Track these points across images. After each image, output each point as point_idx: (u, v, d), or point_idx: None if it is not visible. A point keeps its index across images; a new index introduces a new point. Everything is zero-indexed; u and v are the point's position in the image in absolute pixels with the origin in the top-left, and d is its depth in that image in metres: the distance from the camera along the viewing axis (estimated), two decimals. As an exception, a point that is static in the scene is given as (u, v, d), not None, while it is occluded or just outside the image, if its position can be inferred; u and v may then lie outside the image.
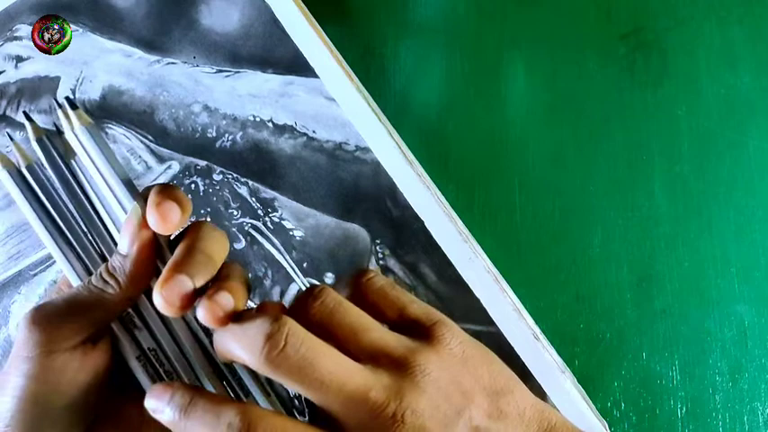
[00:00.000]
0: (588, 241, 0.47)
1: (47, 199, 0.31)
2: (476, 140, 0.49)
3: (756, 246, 0.46)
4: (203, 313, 0.28)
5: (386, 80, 0.50)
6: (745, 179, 0.47)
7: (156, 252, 0.31)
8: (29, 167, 0.31)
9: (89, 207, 0.31)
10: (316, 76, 0.47)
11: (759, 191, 0.46)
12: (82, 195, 0.31)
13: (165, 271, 0.29)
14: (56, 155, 0.31)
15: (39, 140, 0.31)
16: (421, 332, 0.31)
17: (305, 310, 0.30)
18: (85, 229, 0.31)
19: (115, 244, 0.31)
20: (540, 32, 0.49)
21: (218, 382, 0.31)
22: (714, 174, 0.47)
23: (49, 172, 0.31)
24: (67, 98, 0.31)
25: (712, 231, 0.46)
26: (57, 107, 0.31)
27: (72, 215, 0.31)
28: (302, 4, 0.48)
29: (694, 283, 0.46)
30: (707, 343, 0.45)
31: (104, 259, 0.31)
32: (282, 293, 0.46)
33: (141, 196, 0.31)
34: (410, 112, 0.49)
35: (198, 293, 0.29)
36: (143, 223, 0.30)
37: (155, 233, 0.30)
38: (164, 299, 0.28)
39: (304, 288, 0.46)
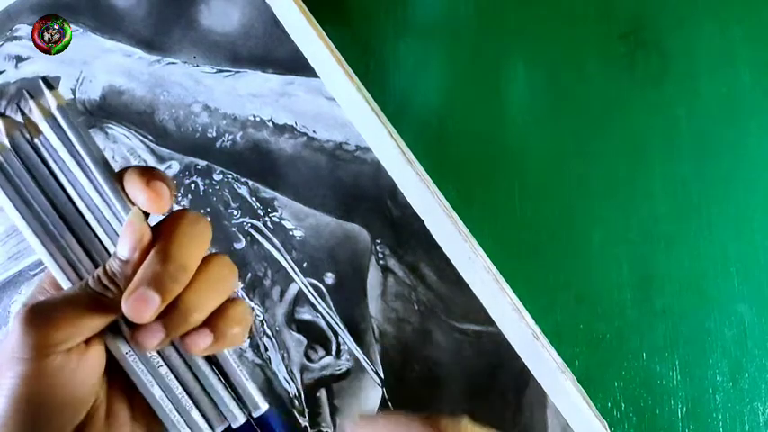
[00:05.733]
0: (588, 241, 0.47)
1: (24, 187, 0.30)
2: (476, 140, 0.49)
3: (756, 246, 0.46)
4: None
5: (386, 80, 0.50)
6: (744, 179, 0.47)
7: None
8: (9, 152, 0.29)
9: (67, 199, 0.30)
10: (316, 76, 0.47)
11: (759, 191, 0.46)
12: (56, 185, 0.30)
13: (132, 283, 0.28)
14: (29, 147, 0.29)
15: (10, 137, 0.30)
16: None
17: None
18: (64, 217, 0.30)
19: (94, 234, 0.30)
20: (540, 32, 0.49)
21: (208, 366, 0.31)
22: (714, 174, 0.47)
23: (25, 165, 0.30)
24: (44, 78, 0.30)
25: (712, 231, 0.46)
26: (29, 98, 0.29)
27: (53, 206, 0.30)
28: (302, 4, 0.48)
29: (694, 283, 0.46)
30: (707, 343, 0.45)
31: (87, 251, 0.30)
32: (282, 293, 0.46)
33: (118, 179, 0.30)
34: (410, 112, 0.49)
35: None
36: (145, 228, 0.29)
37: (153, 238, 0.29)
38: (131, 311, 0.28)
39: (304, 288, 0.46)
